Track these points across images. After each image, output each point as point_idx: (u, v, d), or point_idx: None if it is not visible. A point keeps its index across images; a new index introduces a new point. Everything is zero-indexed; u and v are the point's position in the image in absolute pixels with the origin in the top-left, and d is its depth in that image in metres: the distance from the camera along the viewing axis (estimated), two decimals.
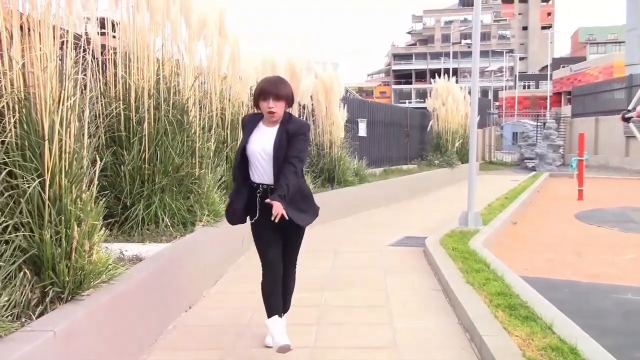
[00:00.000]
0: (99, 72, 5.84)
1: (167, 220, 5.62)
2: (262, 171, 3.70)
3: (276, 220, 3.42)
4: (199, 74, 6.57)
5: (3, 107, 3.19)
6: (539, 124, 31.05)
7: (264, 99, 3.65)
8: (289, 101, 3.73)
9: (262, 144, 3.67)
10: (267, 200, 3.47)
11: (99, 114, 5.68)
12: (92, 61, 5.92)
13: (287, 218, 3.45)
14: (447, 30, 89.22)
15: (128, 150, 5.64)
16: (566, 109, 48.01)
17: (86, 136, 3.63)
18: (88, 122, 5.20)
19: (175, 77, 6.19)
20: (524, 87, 70.86)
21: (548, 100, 48.51)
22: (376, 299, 4.94)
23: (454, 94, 18.82)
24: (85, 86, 4.29)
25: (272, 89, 3.63)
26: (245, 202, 3.82)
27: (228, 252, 6.35)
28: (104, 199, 3.95)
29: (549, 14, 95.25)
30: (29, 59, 3.31)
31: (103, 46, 5.97)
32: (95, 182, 3.66)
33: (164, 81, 6.00)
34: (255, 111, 3.89)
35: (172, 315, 4.46)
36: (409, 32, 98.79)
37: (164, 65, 6.06)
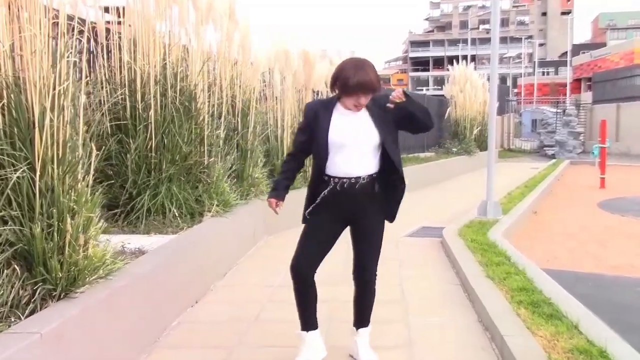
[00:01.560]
0: (103, 58, 5.66)
1: (175, 210, 5.43)
2: (350, 162, 3.20)
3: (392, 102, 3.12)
4: (207, 59, 6.34)
5: None
6: (558, 111, 30.52)
7: (350, 94, 3.14)
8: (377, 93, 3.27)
9: (351, 130, 3.19)
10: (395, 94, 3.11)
11: (104, 101, 5.50)
12: (96, 46, 5.78)
13: (403, 99, 3.10)
14: (464, 17, 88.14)
15: (134, 139, 5.45)
16: (586, 96, 47.20)
17: (81, 123, 3.41)
18: (83, 108, 5.08)
19: (182, 63, 5.98)
20: (543, 74, 69.87)
21: (568, 87, 47.67)
22: (391, 293, 4.70)
23: (472, 80, 18.44)
24: (81, 70, 4.06)
25: (367, 89, 3.12)
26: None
27: (238, 243, 6.14)
28: (100, 189, 3.73)
29: None
30: (19, 41, 3.10)
31: (107, 31, 5.78)
32: (92, 171, 3.44)
33: (171, 66, 5.79)
34: (329, 94, 3.46)
35: (177, 311, 4.26)
36: (426, 19, 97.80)
37: (171, 50, 5.85)
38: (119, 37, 5.66)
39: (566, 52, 71.09)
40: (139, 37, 5.63)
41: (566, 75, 60.40)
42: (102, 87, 5.54)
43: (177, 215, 5.40)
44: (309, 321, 3.41)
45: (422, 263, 5.92)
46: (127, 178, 5.38)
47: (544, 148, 26.38)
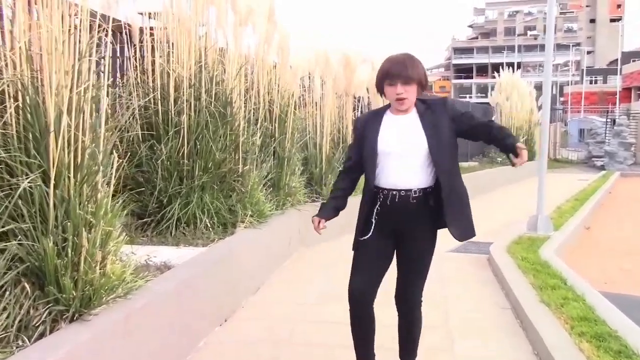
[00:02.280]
0: (136, 60, 5.44)
1: (207, 221, 5.16)
2: (398, 172, 2.94)
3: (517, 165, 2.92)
4: (245, 62, 6.07)
5: (2, 92, 2.74)
6: (607, 120, 29.51)
7: (391, 84, 2.91)
8: (422, 84, 2.98)
9: (399, 137, 2.95)
10: (518, 145, 2.87)
11: (136, 105, 5.28)
12: (129, 48, 5.57)
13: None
14: (509, 24, 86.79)
15: (166, 144, 5.20)
16: (636, 105, 45.69)
17: (102, 127, 3.15)
18: (112, 112, 4.87)
19: (218, 66, 5.72)
20: (591, 82, 68.08)
21: (617, 96, 46.22)
22: (433, 317, 4.29)
23: (519, 88, 17.87)
24: (108, 71, 3.81)
25: (400, 71, 2.89)
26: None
27: (272, 255, 5.84)
28: (121, 201, 3.46)
29: (618, 5, 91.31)
30: (37, 39, 2.86)
31: (141, 32, 5.57)
32: (113, 180, 3.17)
33: (206, 70, 5.54)
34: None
35: (204, 330, 3.96)
36: (470, 26, 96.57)
37: (207, 53, 5.61)
38: (153, 39, 5.45)
39: (615, 60, 69.16)
40: (173, 38, 5.41)
41: (615, 83, 58.70)
42: (134, 90, 5.33)
43: (208, 225, 5.13)
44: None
45: (468, 282, 5.52)
46: (158, 185, 5.14)
47: (592, 159, 25.49)
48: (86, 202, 2.92)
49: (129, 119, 5.31)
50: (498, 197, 13.41)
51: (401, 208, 2.94)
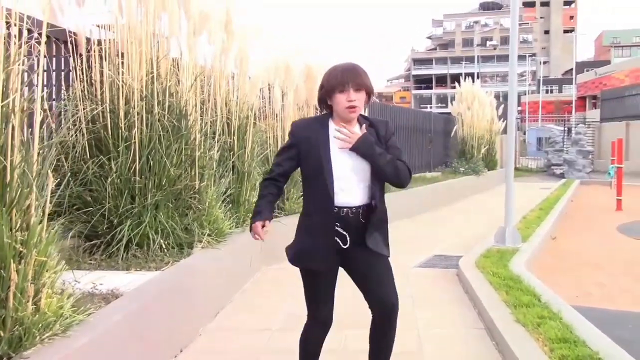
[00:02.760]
0: (82, 71, 5.08)
1: (161, 241, 4.82)
2: (346, 189, 2.78)
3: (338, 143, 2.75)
4: (200, 72, 5.76)
5: None
6: (565, 128, 29.97)
7: (342, 90, 2.74)
8: (369, 94, 2.85)
9: (347, 152, 2.77)
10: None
11: (82, 119, 4.92)
12: (75, 58, 5.20)
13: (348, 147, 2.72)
14: (467, 35, 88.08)
15: (115, 160, 4.85)
16: (591, 113, 46.63)
17: (36, 145, 2.81)
18: (57, 127, 4.50)
19: (172, 77, 5.40)
20: (547, 92, 69.46)
21: (573, 104, 47.14)
22: (406, 341, 4.00)
23: (479, 97, 17.88)
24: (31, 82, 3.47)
25: (352, 77, 2.75)
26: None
27: (233, 276, 5.52)
28: (60, 224, 3.12)
29: (571, 17, 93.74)
30: None
31: (88, 41, 5.21)
32: (48, 204, 2.82)
33: (159, 81, 5.22)
34: (317, 112, 3.07)
35: None
36: (429, 37, 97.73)
37: (159, 63, 5.28)
38: (101, 48, 5.11)
39: (569, 70, 70.76)
40: (123, 47, 5.08)
41: (570, 92, 59.97)
42: (81, 103, 4.97)
43: (163, 247, 4.79)
44: None
45: (438, 301, 5.28)
46: (107, 204, 4.78)
47: (552, 167, 25.79)
48: (16, 230, 2.58)
49: (75, 133, 4.95)
50: (462, 207, 13.30)
51: (354, 226, 2.80)
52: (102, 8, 5.23)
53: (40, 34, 3.01)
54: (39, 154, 2.85)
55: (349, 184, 2.78)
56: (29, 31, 3.00)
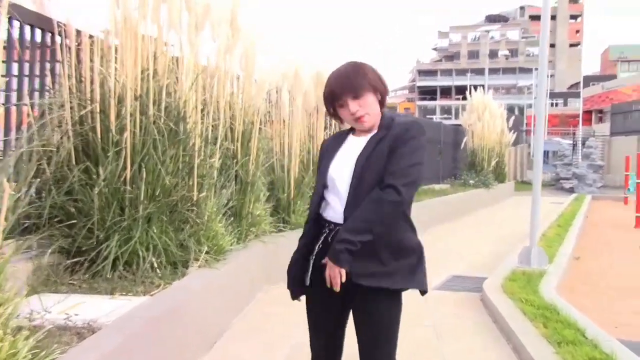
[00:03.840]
0: (70, 66, 4.54)
1: (154, 259, 4.26)
2: (338, 202, 2.33)
3: (334, 288, 2.20)
4: (201, 70, 5.22)
5: None
6: (574, 142, 29.46)
7: (341, 105, 2.31)
8: (380, 92, 2.34)
9: (344, 161, 2.34)
10: (324, 261, 2.25)
11: (69, 119, 4.38)
12: (63, 51, 4.66)
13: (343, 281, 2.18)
14: (473, 47, 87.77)
15: (104, 167, 4.30)
16: (597, 127, 46.19)
17: None
18: (39, 128, 3.97)
19: (171, 74, 4.86)
20: (552, 105, 68.97)
21: (580, 118, 46.62)
22: None
23: (490, 108, 17.34)
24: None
25: (344, 85, 2.28)
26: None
27: (232, 299, 4.96)
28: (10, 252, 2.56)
29: (577, 31, 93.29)
30: None
31: (79, 33, 4.68)
32: (2, 217, 2.27)
33: (156, 79, 4.68)
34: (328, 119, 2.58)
35: None
36: (434, 49, 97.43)
37: (157, 59, 4.74)
38: (92, 41, 4.57)
39: (575, 83, 70.36)
40: (117, 41, 4.56)
41: (575, 106, 59.53)
42: (68, 102, 4.42)
43: (155, 266, 4.23)
44: None
45: (466, 332, 4.69)
46: (93, 217, 4.22)
47: (561, 181, 25.19)
48: None
49: (61, 136, 4.41)
50: (475, 221, 12.74)
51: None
52: None
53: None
54: None
55: (336, 194, 2.33)
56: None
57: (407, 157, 2.22)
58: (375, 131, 2.33)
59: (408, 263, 2.31)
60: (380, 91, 2.34)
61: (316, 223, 2.39)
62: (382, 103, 2.36)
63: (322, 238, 2.33)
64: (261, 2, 6.43)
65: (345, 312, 2.39)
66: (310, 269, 2.35)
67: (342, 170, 2.32)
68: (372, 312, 2.28)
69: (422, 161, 2.28)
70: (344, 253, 2.16)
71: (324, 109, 2.47)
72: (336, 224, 2.29)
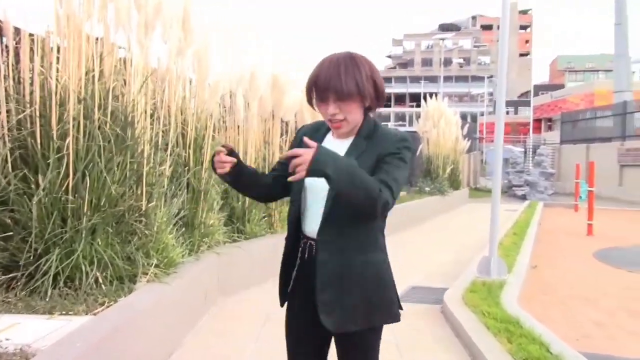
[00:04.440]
0: (7, 66, 4.21)
1: (98, 274, 3.97)
2: (313, 213, 2.12)
3: (290, 172, 1.84)
4: (151, 73, 4.94)
5: None
6: (526, 150, 29.94)
7: (321, 99, 2.06)
8: (371, 99, 2.08)
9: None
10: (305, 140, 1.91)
11: (5, 124, 4.06)
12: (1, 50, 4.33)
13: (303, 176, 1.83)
14: (426, 55, 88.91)
15: (44, 175, 3.99)
16: (547, 135, 47.27)
17: None
18: None
19: (118, 77, 4.57)
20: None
21: (531, 126, 47.64)
22: None
23: (446, 116, 17.42)
24: None
25: (331, 81, 2.01)
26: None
27: (183, 314, 4.69)
28: None
29: (526, 41, 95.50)
30: None
31: (17, 31, 4.36)
32: None
33: (101, 81, 4.39)
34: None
35: None
36: (388, 56, 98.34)
37: (103, 60, 4.46)
38: (32, 40, 4.26)
39: (525, 92, 71.92)
40: (59, 40, 4.26)
41: (526, 114, 60.86)
42: (4, 104, 4.10)
43: (100, 281, 3.94)
44: None
45: (427, 346, 4.54)
46: (32, 229, 3.91)
47: (513, 188, 25.51)
48: None
49: None
50: (431, 229, 12.72)
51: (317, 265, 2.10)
52: None
53: None
54: None
55: (317, 206, 2.10)
56: None
57: (390, 168, 2.01)
58: (353, 136, 2.12)
59: (389, 297, 2.15)
60: (370, 98, 2.07)
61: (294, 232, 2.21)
62: (369, 109, 2.12)
63: (299, 253, 2.17)
64: (217, 1, 6.17)
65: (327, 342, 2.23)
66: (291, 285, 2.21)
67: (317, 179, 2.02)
68: (356, 345, 2.12)
69: (403, 173, 2.05)
70: (326, 166, 1.80)
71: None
72: (310, 239, 2.13)
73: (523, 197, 23.05)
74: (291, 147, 2.13)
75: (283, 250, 2.22)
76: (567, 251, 10.41)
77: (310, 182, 2.09)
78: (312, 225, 2.11)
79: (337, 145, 2.10)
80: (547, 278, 7.65)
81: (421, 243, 10.73)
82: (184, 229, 5.26)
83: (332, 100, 2.03)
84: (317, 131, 2.23)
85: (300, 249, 2.17)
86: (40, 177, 3.99)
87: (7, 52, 4.23)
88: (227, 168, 2.09)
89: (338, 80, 2.01)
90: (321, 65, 2.08)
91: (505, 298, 5.35)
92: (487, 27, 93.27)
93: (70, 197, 4.03)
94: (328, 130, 2.20)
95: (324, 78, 2.03)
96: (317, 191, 2.09)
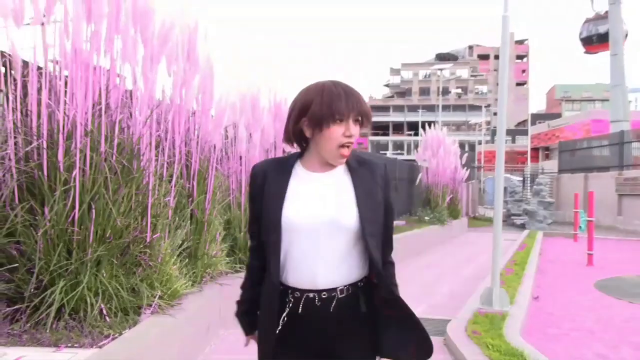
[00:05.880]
0: (15, 99, 4.26)
1: (102, 306, 3.97)
2: (318, 262, 1.95)
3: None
4: (156, 105, 5.00)
5: None
6: (521, 179, 30.04)
7: (341, 120, 1.94)
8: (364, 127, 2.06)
9: (318, 203, 1.96)
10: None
11: (12, 156, 4.09)
12: (8, 83, 4.39)
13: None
14: (424, 84, 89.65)
15: (50, 207, 4.01)
16: (544, 164, 47.40)
17: None
18: None
19: (124, 109, 4.63)
20: None
21: (529, 155, 47.90)
22: None
23: (445, 145, 17.51)
24: None
25: (355, 105, 1.95)
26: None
27: (186, 347, 4.67)
28: None
29: (523, 70, 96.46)
30: None
31: (26, 64, 4.42)
32: None
33: (108, 113, 4.43)
34: (287, 150, 2.30)
35: None
36: (386, 85, 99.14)
37: (109, 93, 4.51)
38: (40, 73, 4.31)
39: (522, 121, 72.33)
40: (67, 73, 4.31)
41: (523, 143, 61.18)
42: (12, 137, 4.14)
43: (105, 312, 3.94)
44: None
45: None
46: (37, 261, 3.92)
47: (512, 217, 25.52)
48: None
49: (3, 174, 4.11)
50: (431, 260, 12.68)
51: (320, 318, 1.97)
52: (47, 28, 4.46)
53: None
54: None
55: (313, 251, 1.95)
56: None
57: (391, 216, 2.11)
58: (331, 167, 2.02)
59: None
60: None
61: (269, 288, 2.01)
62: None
63: (287, 308, 1.98)
64: (222, 33, 6.28)
65: None
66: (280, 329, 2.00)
67: (325, 214, 1.94)
68: None
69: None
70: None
71: (282, 145, 2.24)
72: (304, 291, 1.96)
73: (522, 226, 23.04)
74: (255, 191, 2.05)
75: (268, 304, 2.02)
76: (568, 282, 10.38)
77: (293, 220, 1.95)
78: (302, 271, 1.97)
79: (317, 178, 2.01)
80: (550, 310, 7.62)
81: (422, 274, 10.69)
82: (187, 259, 5.26)
83: (353, 122, 1.97)
84: (282, 166, 2.05)
85: (289, 304, 1.98)
86: (46, 209, 4.00)
87: (15, 84, 4.28)
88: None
89: (359, 103, 1.97)
90: (334, 89, 1.97)
91: (508, 330, 5.34)
92: (483, 57, 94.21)
93: (76, 228, 4.05)
94: (294, 162, 2.05)
95: (347, 101, 1.94)
96: (331, 234, 1.95)
